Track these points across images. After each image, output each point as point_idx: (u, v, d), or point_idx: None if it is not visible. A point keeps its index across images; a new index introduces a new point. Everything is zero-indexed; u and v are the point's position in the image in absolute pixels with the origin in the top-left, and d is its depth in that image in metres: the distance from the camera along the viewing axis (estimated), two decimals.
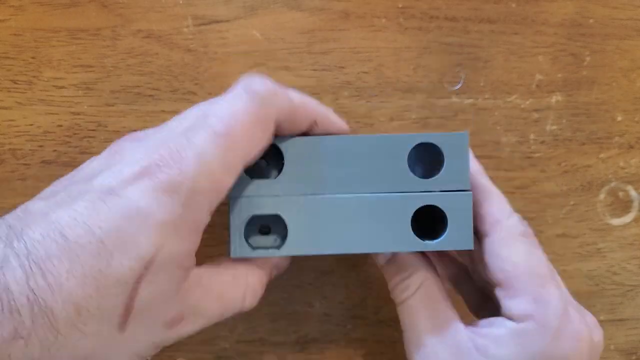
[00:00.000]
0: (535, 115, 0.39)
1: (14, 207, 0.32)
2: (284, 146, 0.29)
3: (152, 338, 0.26)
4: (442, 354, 0.29)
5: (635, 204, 0.40)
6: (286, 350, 0.38)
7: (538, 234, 0.39)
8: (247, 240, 0.29)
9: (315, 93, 0.38)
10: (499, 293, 0.30)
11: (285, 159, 0.29)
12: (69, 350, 0.23)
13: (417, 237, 0.29)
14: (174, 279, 0.25)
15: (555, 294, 0.29)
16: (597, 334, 0.31)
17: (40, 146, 0.36)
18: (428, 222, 0.30)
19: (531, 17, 0.39)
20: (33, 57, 0.36)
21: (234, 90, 0.28)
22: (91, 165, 0.27)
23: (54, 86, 0.36)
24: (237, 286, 0.28)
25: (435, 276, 0.31)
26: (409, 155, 0.29)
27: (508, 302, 0.29)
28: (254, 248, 0.29)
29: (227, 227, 0.29)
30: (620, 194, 0.40)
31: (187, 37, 0.37)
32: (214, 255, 0.30)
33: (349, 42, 0.38)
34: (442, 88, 0.39)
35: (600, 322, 0.40)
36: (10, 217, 0.24)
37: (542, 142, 0.40)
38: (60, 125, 0.36)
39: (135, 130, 0.30)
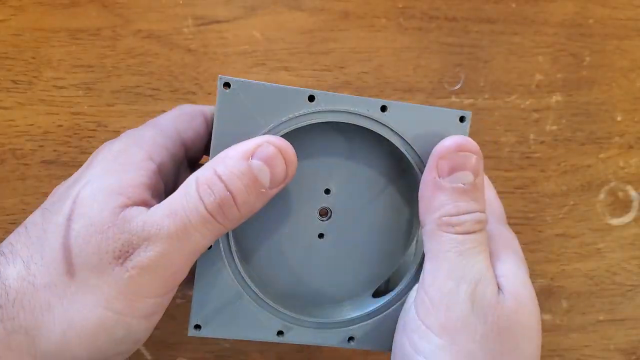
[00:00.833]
0: (535, 115, 0.40)
1: (14, 206, 0.33)
2: None
3: (111, 280, 0.23)
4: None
5: (635, 203, 0.40)
6: (286, 350, 0.38)
7: (537, 233, 0.39)
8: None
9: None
10: None
11: None
12: (26, 310, 0.23)
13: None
14: (107, 207, 0.24)
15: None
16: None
17: (41, 146, 0.36)
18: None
19: (531, 17, 0.39)
20: (33, 57, 0.36)
21: None
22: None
23: (54, 86, 0.36)
24: (187, 195, 0.24)
25: None
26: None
27: None
28: None
29: None
30: (620, 193, 0.40)
31: (187, 37, 0.37)
32: None
33: (349, 42, 0.38)
34: (442, 88, 0.39)
35: (600, 322, 0.40)
36: None
37: (542, 142, 0.40)
38: (61, 125, 0.36)
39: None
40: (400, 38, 0.38)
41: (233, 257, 0.27)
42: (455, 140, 0.26)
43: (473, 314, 0.25)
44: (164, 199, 0.25)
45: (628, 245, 0.40)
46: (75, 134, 0.36)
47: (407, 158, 0.28)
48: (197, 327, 0.28)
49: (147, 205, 0.25)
